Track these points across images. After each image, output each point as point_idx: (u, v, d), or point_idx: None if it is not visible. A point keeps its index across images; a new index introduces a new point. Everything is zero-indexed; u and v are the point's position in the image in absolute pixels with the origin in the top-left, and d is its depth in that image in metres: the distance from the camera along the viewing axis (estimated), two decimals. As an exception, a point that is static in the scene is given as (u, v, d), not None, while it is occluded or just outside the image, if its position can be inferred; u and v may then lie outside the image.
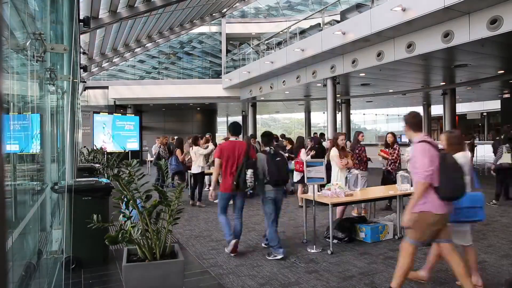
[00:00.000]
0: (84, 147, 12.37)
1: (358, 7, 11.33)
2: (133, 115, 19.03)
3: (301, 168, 7.63)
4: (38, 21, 3.66)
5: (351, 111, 19.24)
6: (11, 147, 2.99)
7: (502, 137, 8.19)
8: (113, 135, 16.29)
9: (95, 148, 12.46)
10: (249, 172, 4.58)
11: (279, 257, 4.58)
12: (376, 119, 33.75)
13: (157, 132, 20.71)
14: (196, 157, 8.41)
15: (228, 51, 21.06)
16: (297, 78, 13.59)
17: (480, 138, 28.20)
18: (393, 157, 7.13)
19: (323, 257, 4.69)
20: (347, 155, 6.26)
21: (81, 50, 11.23)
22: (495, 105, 22.09)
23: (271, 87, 15.52)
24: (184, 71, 22.52)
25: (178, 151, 8.98)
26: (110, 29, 13.13)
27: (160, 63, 22.62)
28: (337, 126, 13.44)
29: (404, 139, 15.32)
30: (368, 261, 4.54)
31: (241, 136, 8.88)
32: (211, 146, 8.82)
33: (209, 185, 9.59)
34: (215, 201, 7.20)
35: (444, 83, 14.27)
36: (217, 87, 19.32)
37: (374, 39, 9.49)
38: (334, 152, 6.18)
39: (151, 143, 17.07)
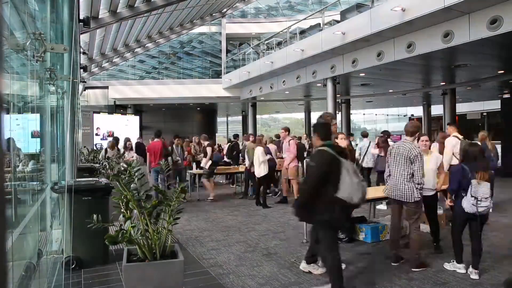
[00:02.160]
0: (84, 147, 12.33)
1: (358, 7, 11.29)
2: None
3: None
4: (38, 21, 3.66)
5: (351, 111, 19.23)
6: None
7: None
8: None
9: (95, 148, 12.43)
10: None
11: None
12: (376, 119, 33.69)
13: (157, 132, 20.67)
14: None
15: (228, 51, 21.03)
16: (297, 78, 13.58)
17: (480, 138, 28.14)
18: None
19: (323, 257, 4.68)
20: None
21: (81, 50, 11.21)
22: (495, 105, 22.04)
23: (271, 87, 15.51)
24: (184, 71, 22.49)
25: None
26: (110, 29, 13.10)
27: (160, 63, 22.60)
28: (337, 126, 13.40)
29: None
30: (368, 261, 4.54)
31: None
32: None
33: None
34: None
35: (444, 83, 14.25)
36: (217, 87, 19.30)
37: (374, 39, 9.47)
38: None
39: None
